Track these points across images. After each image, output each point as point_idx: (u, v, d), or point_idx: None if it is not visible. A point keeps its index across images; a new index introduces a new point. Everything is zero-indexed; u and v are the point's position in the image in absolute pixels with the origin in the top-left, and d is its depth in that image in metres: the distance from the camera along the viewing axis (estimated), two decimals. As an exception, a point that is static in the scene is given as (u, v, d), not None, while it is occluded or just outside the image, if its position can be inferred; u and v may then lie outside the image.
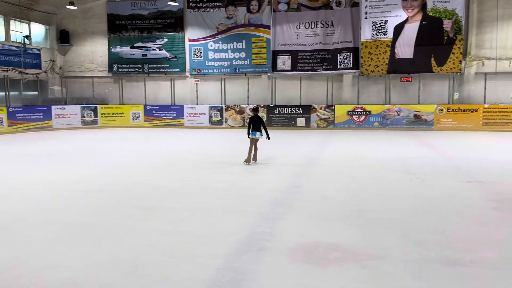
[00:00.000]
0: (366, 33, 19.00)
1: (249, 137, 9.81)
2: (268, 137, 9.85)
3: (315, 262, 4.12)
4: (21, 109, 18.65)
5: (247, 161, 9.73)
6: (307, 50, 19.71)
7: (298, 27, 19.74)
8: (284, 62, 19.99)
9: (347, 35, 19.33)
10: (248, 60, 20.49)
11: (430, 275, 3.83)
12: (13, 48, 19.44)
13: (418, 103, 18.80)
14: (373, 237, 4.84)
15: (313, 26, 19.62)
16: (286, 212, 5.84)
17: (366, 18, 18.97)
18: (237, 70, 20.67)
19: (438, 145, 13.26)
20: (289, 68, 19.99)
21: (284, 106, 19.77)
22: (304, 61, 19.80)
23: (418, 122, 18.42)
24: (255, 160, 9.83)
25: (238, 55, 20.59)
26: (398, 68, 18.89)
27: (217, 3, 20.60)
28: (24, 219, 5.47)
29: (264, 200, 6.41)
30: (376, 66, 19.02)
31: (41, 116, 19.24)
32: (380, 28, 18.83)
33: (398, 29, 18.70)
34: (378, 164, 9.83)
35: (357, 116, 18.96)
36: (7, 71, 19.10)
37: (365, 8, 18.93)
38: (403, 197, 6.74)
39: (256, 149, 9.88)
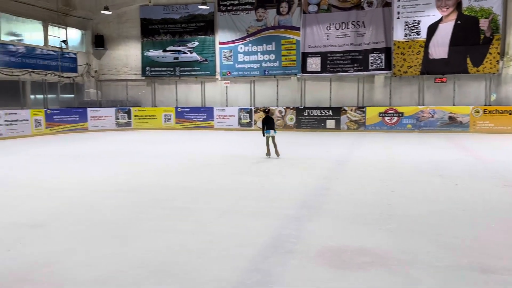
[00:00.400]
0: (399, 33, 18.61)
1: (264, 136, 11.29)
2: (274, 132, 11.36)
3: (342, 266, 4.05)
4: (58, 111, 19.34)
5: (268, 154, 11.28)
6: (338, 51, 19.50)
7: (328, 28, 19.57)
8: (314, 63, 19.86)
9: (378, 35, 19.00)
10: (277, 62, 20.48)
11: (462, 282, 3.70)
12: (51, 52, 20.22)
13: (453, 105, 18.24)
14: (403, 241, 4.72)
15: (343, 27, 19.40)
16: (314, 214, 5.79)
17: (398, 18, 18.58)
18: (266, 72, 20.70)
19: (473, 148, 12.82)
20: (319, 70, 19.83)
21: (313, 108, 19.62)
22: (334, 62, 19.60)
23: (453, 124, 17.86)
24: (278, 155, 11.09)
25: (268, 57, 20.61)
26: (432, 68, 18.39)
27: (247, 6, 20.71)
28: (58, 218, 5.66)
29: (292, 203, 6.37)
30: (409, 67, 18.60)
31: (77, 118, 19.90)
32: (413, 28, 18.40)
33: (432, 29, 18.22)
34: (410, 167, 9.59)
35: (389, 118, 18.59)
36: (46, 74, 19.87)
37: (398, 8, 18.55)
38: (435, 201, 6.54)
39: (275, 145, 11.20)
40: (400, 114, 18.46)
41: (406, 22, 18.49)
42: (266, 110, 11.84)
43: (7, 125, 16.83)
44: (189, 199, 6.71)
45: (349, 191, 7.20)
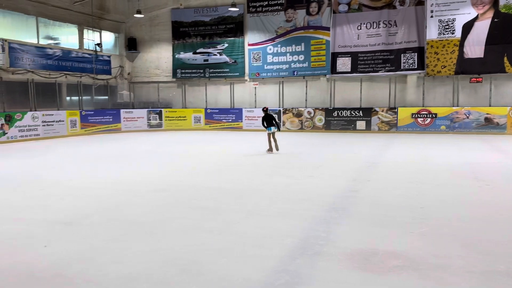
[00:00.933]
0: (432, 32, 18.15)
1: (267, 132, 12.27)
2: (279, 129, 12.54)
3: (372, 270, 3.98)
4: (92, 112, 19.93)
5: (270, 150, 12.20)
6: (369, 51, 19.21)
7: (359, 28, 19.30)
8: (344, 63, 19.63)
9: (411, 34, 18.59)
10: (306, 62, 20.37)
11: (499, 290, 3.55)
12: (86, 55, 20.85)
13: (489, 106, 17.61)
14: (436, 245, 4.58)
15: (375, 26, 19.09)
16: (343, 217, 5.71)
17: (432, 16, 18.12)
18: (295, 73, 20.62)
19: (510, 151, 12.32)
20: (349, 70, 19.59)
21: (343, 109, 19.39)
22: (365, 62, 19.31)
23: (489, 125, 17.23)
24: (277, 150, 12.21)
25: (297, 58, 20.54)
26: (467, 68, 17.83)
27: (277, 7, 20.71)
28: (90, 216, 5.82)
29: (320, 204, 6.31)
30: (443, 67, 18.10)
31: (110, 119, 20.45)
32: (447, 26, 17.89)
33: (467, 27, 17.66)
34: (444, 169, 9.32)
35: (422, 119, 18.14)
36: (81, 77, 20.52)
37: (431, 6, 18.10)
38: (470, 204, 6.33)
39: (275, 140, 12.23)
40: (434, 115, 17.98)
41: (440, 21, 18.00)
42: (265, 109, 12.73)
43: (44, 125, 17.49)
44: (217, 199, 6.76)
45: (379, 193, 7.06)
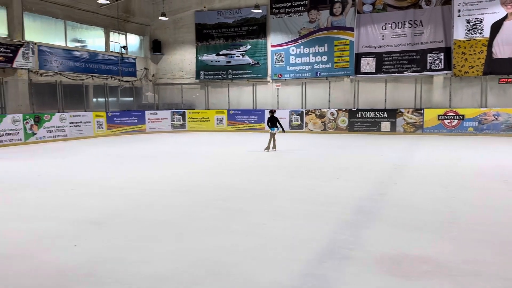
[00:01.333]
0: (459, 32, 17.74)
1: (270, 132, 13.17)
2: (283, 131, 13.58)
3: (403, 275, 3.89)
4: (118, 113, 20.29)
5: (267, 148, 13.04)
6: (394, 51, 18.94)
7: (384, 28, 19.04)
8: (368, 64, 19.40)
9: (437, 34, 18.23)
10: (330, 63, 20.22)
11: (537, 299, 3.42)
12: (112, 58, 21.25)
13: (520, 107, 17.08)
14: (467, 251, 4.46)
15: (400, 26, 18.80)
16: (371, 220, 5.62)
17: (459, 16, 17.72)
18: (318, 74, 20.50)
19: (544, 153, 11.91)
20: (374, 71, 19.35)
21: (367, 110, 19.14)
22: (390, 63, 19.04)
23: (519, 127, 16.72)
24: (275, 149, 13.07)
25: (320, 59, 20.41)
26: (496, 68, 17.35)
27: (300, 8, 20.64)
28: (118, 215, 5.90)
29: (347, 207, 6.23)
30: (470, 67, 17.66)
31: (135, 120, 20.77)
32: (475, 26, 17.46)
33: (496, 27, 17.19)
34: (473, 172, 9.08)
35: (448, 121, 17.74)
36: (107, 79, 20.92)
37: (458, 5, 17.70)
38: (501, 209, 6.13)
39: (274, 140, 13.11)
40: (461, 117, 17.56)
41: (468, 20, 17.58)
42: (273, 111, 13.73)
43: (71, 126, 17.89)
44: (242, 200, 6.76)
45: (407, 196, 6.93)
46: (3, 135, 15.18)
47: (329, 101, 20.24)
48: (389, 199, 6.83)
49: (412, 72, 18.74)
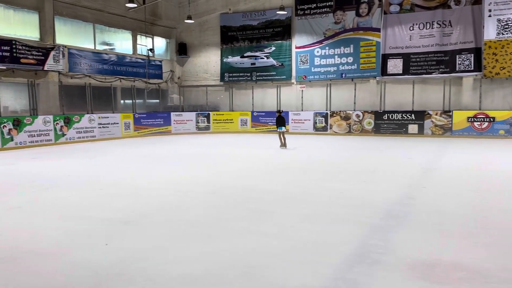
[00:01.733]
0: (490, 32, 17.25)
1: (277, 131, 14.58)
2: (287, 130, 15.42)
3: (436, 281, 3.79)
4: (145, 115, 20.61)
5: (284, 146, 14.28)
6: (421, 52, 18.58)
7: (411, 29, 18.71)
8: (395, 65, 19.09)
9: (467, 35, 17.78)
10: (355, 64, 19.99)
11: None
12: (139, 60, 21.63)
13: (555, 109, 16.47)
14: (503, 258, 4.31)
15: (428, 27, 18.44)
16: (400, 225, 5.51)
17: (490, 16, 17.23)
18: (343, 75, 20.31)
19: None
20: (401, 72, 19.02)
21: (394, 112, 18.83)
22: (417, 64, 18.68)
23: (554, 130, 16.11)
24: (285, 147, 14.24)
25: (345, 60, 20.22)
26: (529, 69, 16.78)
27: (325, 9, 20.51)
28: (148, 216, 5.98)
29: (376, 211, 6.13)
30: (501, 68, 17.14)
31: (161, 122, 21.06)
32: (507, 26, 16.95)
33: (530, 25, 16.63)
34: (505, 176, 8.79)
35: (478, 123, 17.26)
36: (134, 81, 21.30)
37: (489, 5, 17.22)
38: (539, 215, 5.91)
39: (284, 138, 14.38)
40: (492, 119, 17.05)
41: (499, 20, 17.08)
42: (282, 111, 15.07)
43: (100, 127, 18.28)
44: (270, 202, 6.75)
45: (437, 201, 6.76)
46: (34, 136, 15.65)
47: (354, 103, 20.00)
48: (418, 203, 6.68)
49: (441, 73, 18.33)
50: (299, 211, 6.18)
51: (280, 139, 14.36)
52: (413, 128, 18.36)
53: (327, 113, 20.14)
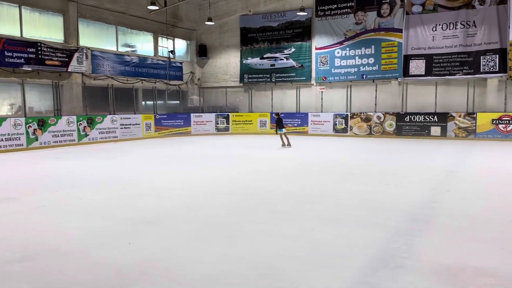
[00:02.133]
0: (517, 32, 16.81)
1: (277, 133, 15.82)
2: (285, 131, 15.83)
3: (462, 286, 3.71)
4: (165, 116, 20.84)
5: (288, 145, 15.18)
6: (444, 53, 18.24)
7: (434, 29, 18.40)
8: (417, 66, 18.80)
9: (492, 35, 17.38)
10: (376, 65, 19.77)
11: None
12: (160, 62, 21.89)
13: None
14: (533, 265, 4.18)
15: (451, 27, 18.09)
16: (424, 229, 5.41)
17: (516, 15, 16.80)
18: (364, 76, 20.11)
19: None
20: (423, 73, 18.72)
21: (416, 114, 18.54)
22: (440, 65, 18.35)
23: None
24: (290, 145, 15.13)
25: (366, 61, 20.01)
26: (557, 70, 16.29)
27: (346, 10, 20.35)
28: (171, 216, 6.03)
29: (398, 214, 6.03)
30: (528, 69, 16.69)
31: (182, 123, 21.25)
32: (534, 26, 16.51)
33: (559, 25, 16.15)
34: (533, 180, 8.54)
35: (503, 126, 16.84)
36: (155, 82, 21.57)
37: (516, 4, 16.78)
38: None
39: (287, 138, 15.37)
40: (518, 121, 16.62)
41: (526, 20, 16.63)
42: (279, 113, 16.33)
43: (121, 128, 18.56)
44: (291, 204, 6.72)
45: (462, 204, 6.62)
46: (58, 136, 16.00)
47: (375, 104, 19.78)
48: (442, 206, 6.55)
49: (464, 74, 17.96)
50: (320, 213, 6.13)
51: (282, 139, 15.35)
52: (435, 130, 18.04)
53: (347, 114, 19.97)
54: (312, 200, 6.97)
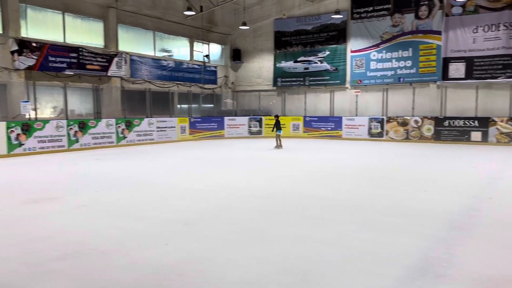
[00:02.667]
0: None
1: (272, 131, 16.65)
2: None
3: (507, 300, 3.56)
4: (200, 119, 21.14)
5: (279, 147, 16.21)
6: (486, 55, 17.59)
7: (475, 31, 17.77)
8: (457, 69, 18.21)
9: (538, 36, 16.59)
10: (414, 68, 19.31)
11: None
12: (195, 66, 22.27)
13: None
14: None
15: (493, 29, 17.42)
16: (465, 237, 5.22)
17: None
18: (401, 79, 19.68)
19: None
20: (463, 76, 18.11)
21: (455, 118, 17.94)
22: (481, 68, 17.70)
23: None
24: (281, 147, 16.16)
25: (403, 64, 19.58)
26: None
27: (382, 12, 20.00)
28: (206, 218, 6.10)
29: (437, 222, 5.85)
30: None
31: (215, 126, 21.49)
32: None
33: None
34: None
35: (550, 131, 16.02)
36: (190, 86, 21.95)
37: None
38: None
39: (280, 140, 16.43)
40: None
41: None
42: (279, 115, 18.17)
43: (158, 131, 18.99)
44: (326, 209, 6.65)
45: (505, 213, 6.34)
46: (98, 138, 16.56)
47: (412, 108, 19.29)
48: (484, 215, 6.31)
49: (507, 77, 17.23)
50: (355, 219, 6.04)
51: (277, 140, 16.33)
52: (476, 135, 17.39)
53: (383, 118, 19.59)
54: (347, 205, 6.87)
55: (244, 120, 22.29)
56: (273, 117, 22.35)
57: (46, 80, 16.10)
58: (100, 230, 5.63)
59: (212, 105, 23.44)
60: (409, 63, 19.44)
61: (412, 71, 19.37)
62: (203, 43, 22.89)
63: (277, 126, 16.49)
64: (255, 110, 23.51)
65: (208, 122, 21.42)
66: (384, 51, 20.07)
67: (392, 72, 19.90)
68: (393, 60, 19.84)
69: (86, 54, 16.97)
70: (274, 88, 23.71)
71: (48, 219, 6.21)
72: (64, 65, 16.29)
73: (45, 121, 15.07)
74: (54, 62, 15.96)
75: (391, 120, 19.35)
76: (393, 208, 6.70)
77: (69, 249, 4.86)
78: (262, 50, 23.96)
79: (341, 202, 7.15)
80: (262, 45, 23.92)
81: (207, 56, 22.74)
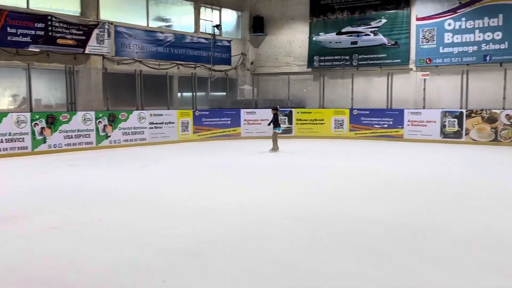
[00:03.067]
0: None
1: (275, 132, 16.66)
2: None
3: None
4: (207, 112, 21.25)
5: (274, 149, 16.51)
6: None
7: None
8: None
9: None
10: (506, 43, 19.11)
11: None
12: (202, 40, 22.46)
13: None
14: None
15: None
16: None
17: None
18: (488, 58, 19.47)
19: None
20: None
21: None
22: None
23: None
24: (277, 150, 16.48)
25: (491, 37, 19.39)
26: None
27: (462, -35, 19.80)
28: (217, 246, 6.12)
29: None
30: None
31: (228, 122, 21.55)
32: None
33: None
34: None
35: None
36: (195, 67, 22.11)
37: None
38: None
39: (276, 141, 16.63)
40: None
41: None
42: (278, 107, 17.48)
43: (151, 128, 19.11)
44: (378, 236, 6.60)
45: None
46: (72, 137, 16.79)
47: (503, 98, 18.94)
48: None
49: None
50: (422, 251, 5.97)
51: (274, 141, 16.61)
52: None
53: (461, 112, 19.34)
54: (409, 232, 6.83)
55: (266, 113, 22.27)
56: (308, 110, 22.35)
57: (2, 59, 16.40)
58: (76, 261, 5.70)
59: (224, 93, 23.56)
60: (498, 35, 19.18)
61: (503, 46, 19.14)
62: (212, 8, 23.06)
63: (276, 122, 16.70)
64: (283, 100, 23.46)
65: (219, 116, 21.52)
66: (463, 19, 19.87)
67: (475, 48, 19.69)
68: (477, 32, 19.62)
69: (56, 24, 17.24)
70: (309, 70, 23.70)
71: (7, 246, 6.33)
72: (28, 38, 16.59)
73: (2, 114, 15.35)
74: (14, 35, 16.23)
75: (473, 115, 19.08)
76: (475, 236, 6.63)
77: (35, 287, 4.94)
78: (293, 18, 23.98)
79: (400, 227, 7.11)
80: (293, 10, 23.96)
81: (219, 26, 22.87)
